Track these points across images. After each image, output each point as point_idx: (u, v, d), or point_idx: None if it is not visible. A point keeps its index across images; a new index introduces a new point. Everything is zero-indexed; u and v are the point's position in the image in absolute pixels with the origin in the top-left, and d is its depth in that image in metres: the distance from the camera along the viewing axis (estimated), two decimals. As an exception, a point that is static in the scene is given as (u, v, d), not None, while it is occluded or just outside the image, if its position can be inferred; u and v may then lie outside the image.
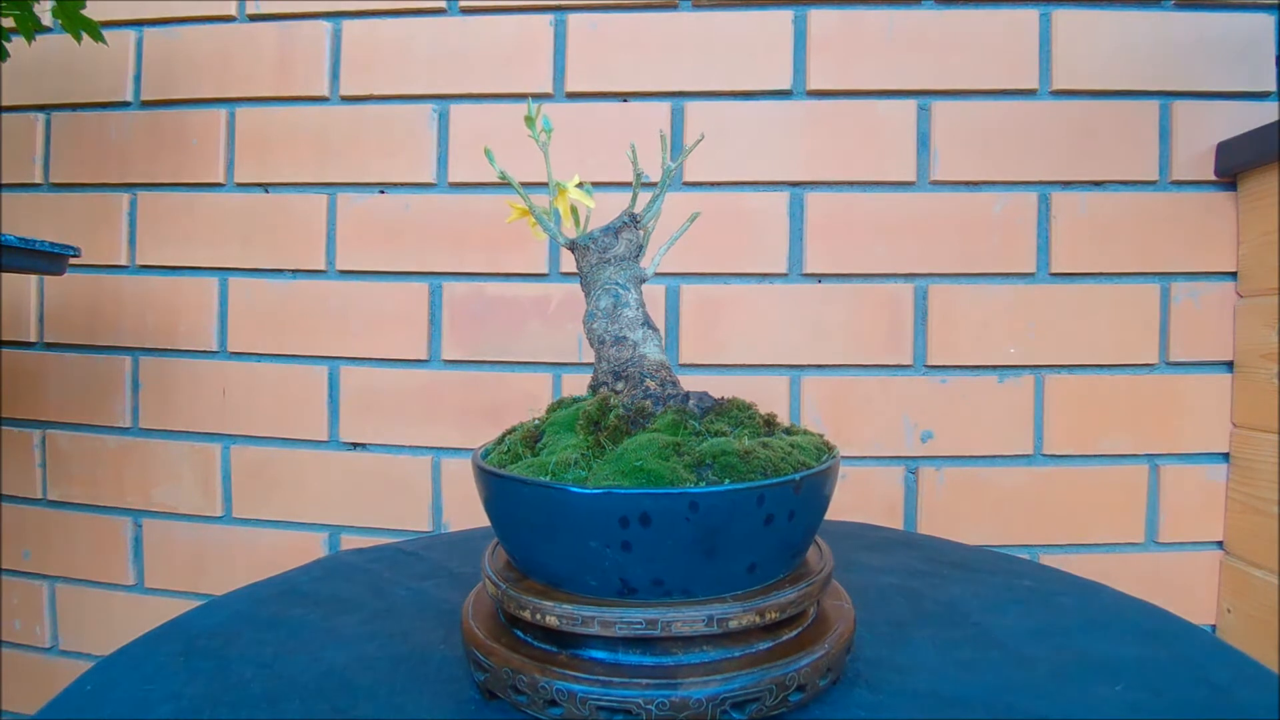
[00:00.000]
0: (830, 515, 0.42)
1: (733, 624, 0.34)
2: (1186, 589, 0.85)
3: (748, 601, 0.34)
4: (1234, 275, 0.84)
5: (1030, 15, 0.85)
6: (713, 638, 0.35)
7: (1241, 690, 0.38)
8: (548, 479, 0.35)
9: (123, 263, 0.95)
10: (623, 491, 0.33)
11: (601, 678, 0.33)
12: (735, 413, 0.41)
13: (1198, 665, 0.41)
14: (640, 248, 0.47)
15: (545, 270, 0.89)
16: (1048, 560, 0.85)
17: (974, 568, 0.58)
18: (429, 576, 0.57)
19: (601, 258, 0.46)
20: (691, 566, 0.34)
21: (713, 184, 0.87)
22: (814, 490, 0.36)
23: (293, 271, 0.92)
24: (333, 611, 0.49)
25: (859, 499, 0.87)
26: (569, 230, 0.49)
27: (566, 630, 0.34)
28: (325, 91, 0.91)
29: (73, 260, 0.76)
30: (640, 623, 0.33)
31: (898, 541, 0.66)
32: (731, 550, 0.34)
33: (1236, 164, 0.81)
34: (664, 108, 0.88)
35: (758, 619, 0.34)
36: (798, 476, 0.35)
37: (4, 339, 0.97)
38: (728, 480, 0.34)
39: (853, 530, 0.69)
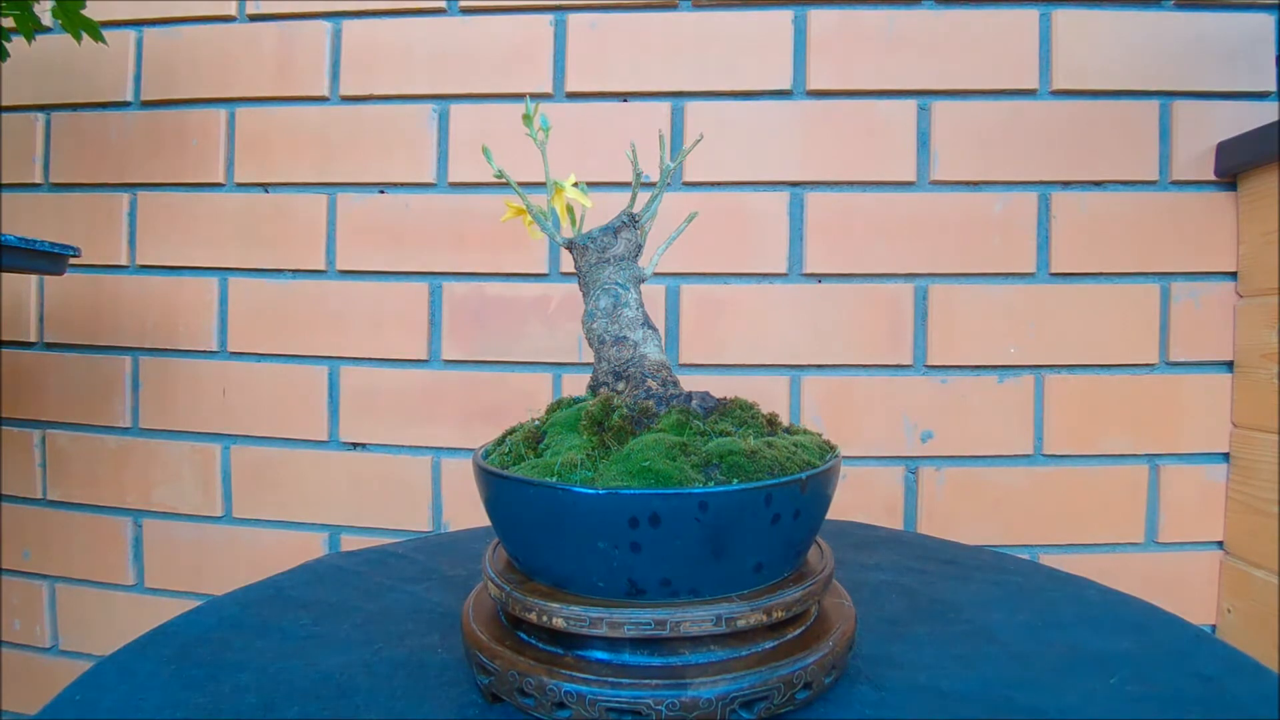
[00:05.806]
0: (831, 515, 0.43)
1: (740, 623, 0.34)
2: (1187, 589, 0.85)
3: (754, 600, 0.35)
4: (1234, 275, 0.84)
5: (1030, 15, 0.85)
6: (720, 637, 0.35)
7: (1229, 680, 0.39)
8: (554, 480, 0.35)
9: (123, 263, 0.95)
10: (631, 492, 0.33)
11: (610, 679, 0.33)
12: (738, 412, 0.41)
13: (1187, 657, 0.42)
14: (639, 247, 0.47)
15: (545, 270, 0.89)
16: (1047, 560, 0.85)
17: (962, 564, 0.59)
18: (420, 579, 0.56)
19: (600, 257, 0.46)
20: (700, 566, 0.34)
21: (712, 184, 0.87)
22: (818, 489, 0.36)
23: (293, 271, 0.92)
24: (324, 616, 0.49)
25: (859, 499, 0.87)
26: (566, 230, 0.49)
27: (573, 632, 0.34)
28: (325, 91, 0.91)
29: (73, 260, 0.76)
30: (649, 623, 0.33)
31: (884, 539, 0.66)
32: (739, 550, 0.34)
33: (1236, 164, 0.81)
34: (664, 108, 0.88)
35: (765, 618, 0.34)
36: (804, 475, 0.35)
37: (4, 339, 0.97)
38: (736, 480, 0.34)
39: (841, 529, 0.70)
